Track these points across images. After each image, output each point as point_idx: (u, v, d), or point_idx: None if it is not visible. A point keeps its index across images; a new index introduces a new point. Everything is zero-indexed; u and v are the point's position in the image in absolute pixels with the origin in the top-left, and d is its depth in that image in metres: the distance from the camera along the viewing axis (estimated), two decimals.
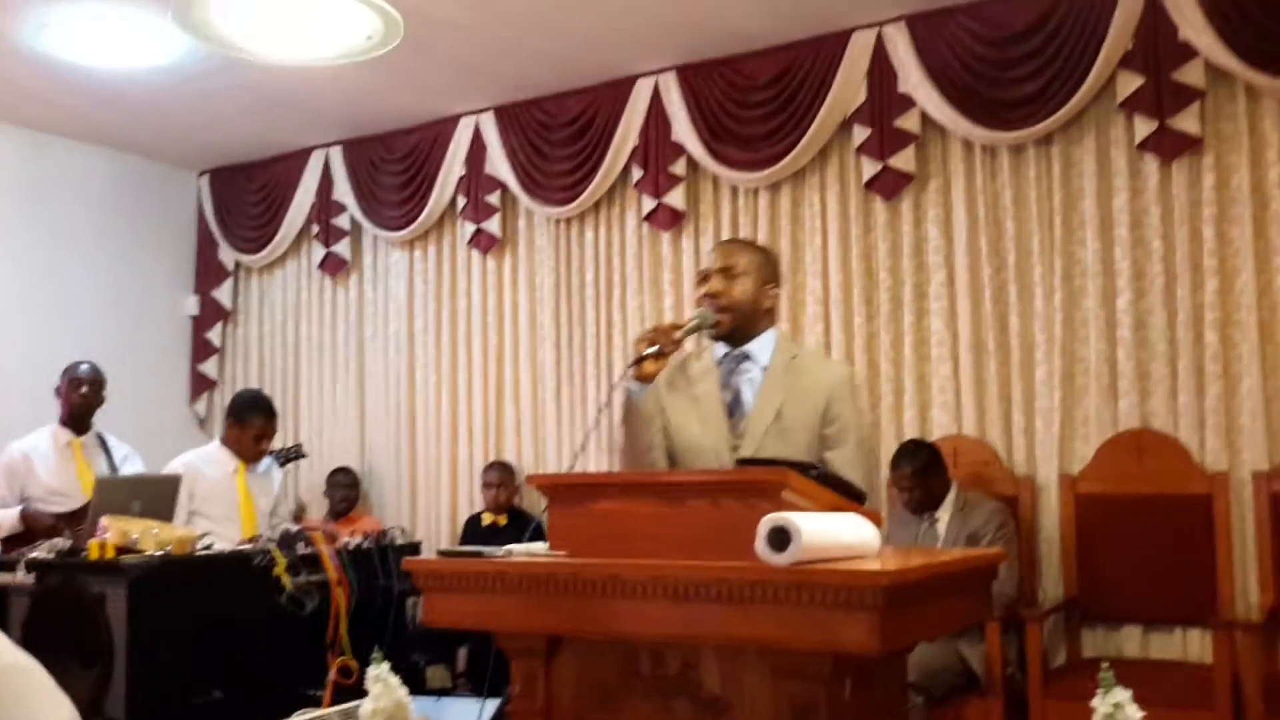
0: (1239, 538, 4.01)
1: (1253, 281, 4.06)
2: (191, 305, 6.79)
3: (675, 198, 5.22)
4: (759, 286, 2.74)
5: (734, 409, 2.71)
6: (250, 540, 3.92)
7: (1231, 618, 3.70)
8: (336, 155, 6.27)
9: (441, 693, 4.49)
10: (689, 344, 2.84)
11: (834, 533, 1.83)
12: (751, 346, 2.74)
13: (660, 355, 2.58)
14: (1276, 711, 3.44)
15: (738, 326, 2.71)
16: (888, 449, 4.56)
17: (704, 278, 2.75)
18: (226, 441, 4.62)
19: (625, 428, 2.69)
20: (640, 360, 2.56)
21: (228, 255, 6.74)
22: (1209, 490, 4.03)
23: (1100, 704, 2.00)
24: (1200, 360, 4.15)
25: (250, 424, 4.59)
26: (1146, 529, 4.11)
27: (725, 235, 5.15)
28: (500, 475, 5.54)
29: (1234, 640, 3.55)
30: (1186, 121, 4.14)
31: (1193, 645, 4.07)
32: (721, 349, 2.76)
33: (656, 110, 5.22)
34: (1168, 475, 4.10)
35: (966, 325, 4.59)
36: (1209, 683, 3.55)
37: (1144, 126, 4.21)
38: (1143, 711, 2.00)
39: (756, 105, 4.96)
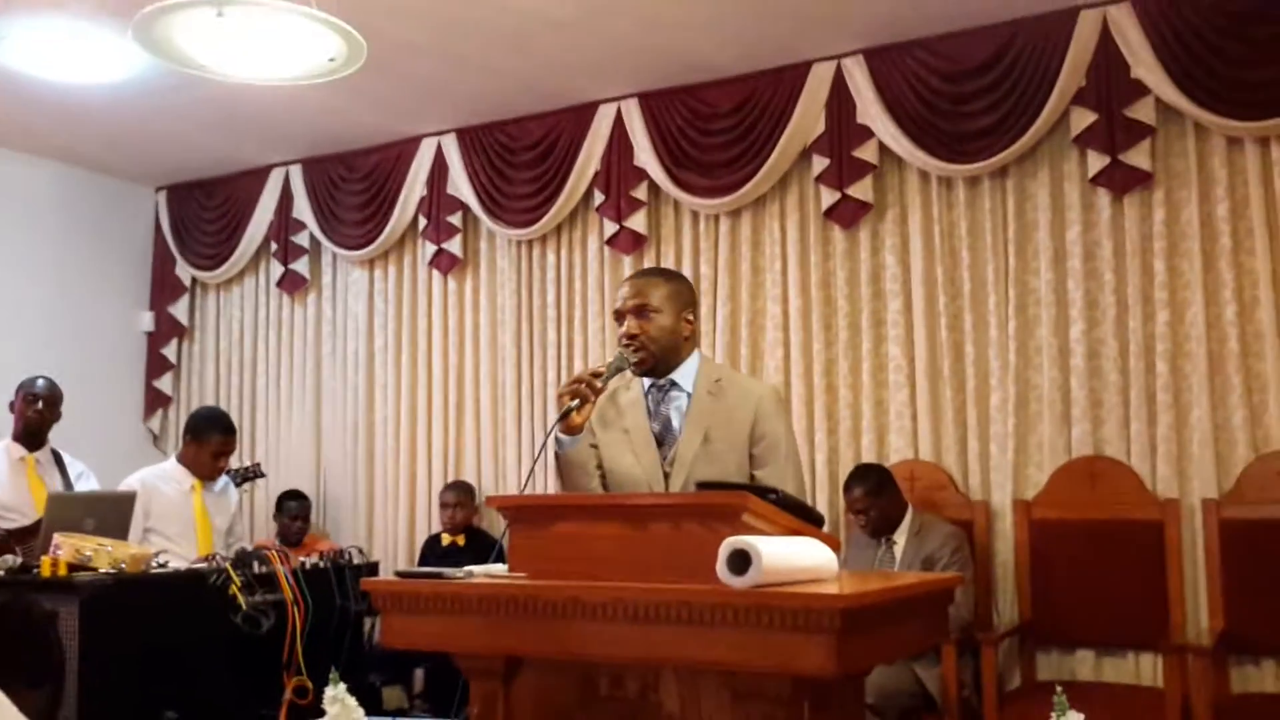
0: (1190, 563, 4.08)
1: (1202, 314, 4.15)
2: (147, 321, 6.72)
3: (637, 222, 5.25)
4: (676, 318, 2.74)
5: (664, 437, 2.74)
6: (206, 559, 3.88)
7: (1183, 642, 3.76)
8: (296, 173, 6.25)
9: (398, 713, 4.47)
10: (616, 379, 2.84)
11: (793, 556, 1.85)
12: (676, 374, 2.75)
13: (584, 404, 2.57)
14: None
15: (659, 360, 2.72)
16: (846, 473, 4.61)
17: (619, 316, 2.73)
18: (183, 459, 4.58)
19: (561, 480, 2.70)
20: (565, 415, 2.55)
21: (184, 271, 6.68)
22: (1160, 516, 4.10)
23: None
24: (1151, 389, 4.23)
25: (208, 441, 4.54)
26: (1099, 554, 4.17)
27: (687, 260, 5.20)
28: (458, 495, 5.51)
29: (1185, 664, 3.60)
30: (1138, 157, 4.23)
31: (1145, 669, 4.13)
32: (648, 380, 2.76)
33: (619, 135, 5.25)
34: (1120, 501, 4.17)
35: (923, 352, 4.65)
36: (1160, 706, 3.61)
37: (1097, 161, 4.30)
38: None
39: (718, 133, 5.01)
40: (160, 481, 4.49)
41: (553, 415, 5.46)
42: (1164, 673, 3.69)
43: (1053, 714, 2.03)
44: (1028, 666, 4.27)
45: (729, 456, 2.68)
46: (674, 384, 2.75)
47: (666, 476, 2.68)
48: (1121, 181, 4.28)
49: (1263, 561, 3.91)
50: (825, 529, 2.23)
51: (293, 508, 5.84)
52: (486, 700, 2.05)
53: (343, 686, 2.71)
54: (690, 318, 2.79)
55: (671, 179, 5.10)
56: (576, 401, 2.53)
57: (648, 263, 5.30)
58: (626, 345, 2.69)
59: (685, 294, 2.79)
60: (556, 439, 2.63)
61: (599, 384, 2.56)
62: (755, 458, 2.70)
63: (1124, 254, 4.32)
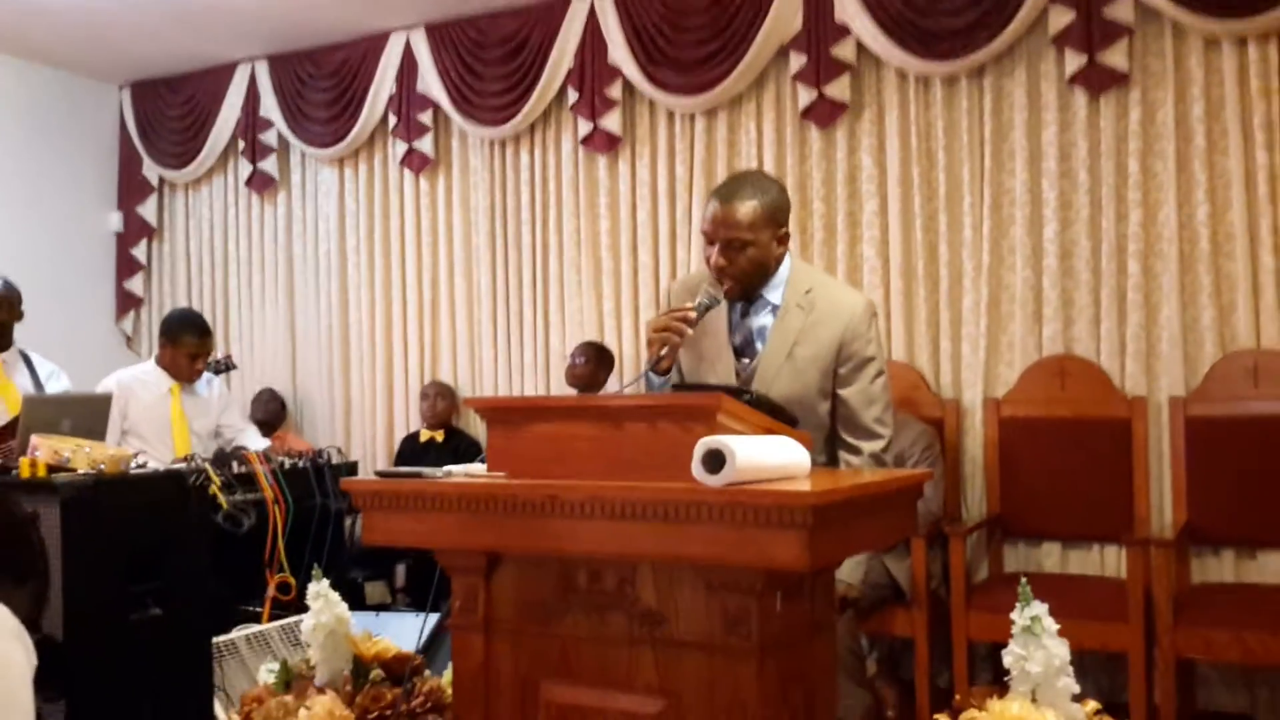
0: (1155, 459, 4.18)
1: (1174, 214, 4.17)
2: (115, 221, 6.65)
3: (611, 121, 5.19)
4: (768, 242, 2.65)
5: (744, 350, 2.71)
6: (185, 459, 3.91)
7: (1146, 535, 3.86)
8: (263, 69, 6.13)
9: (381, 608, 4.54)
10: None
11: (766, 455, 1.88)
12: (766, 289, 2.71)
13: (674, 349, 2.50)
14: (1185, 622, 3.61)
15: (750, 286, 2.67)
16: None
17: (708, 241, 2.63)
18: (160, 361, 4.57)
19: None
20: (656, 363, 2.48)
21: (152, 171, 6.59)
22: (1128, 414, 4.18)
23: (1019, 616, 2.10)
24: (1123, 289, 4.28)
25: (183, 343, 4.53)
26: (1067, 450, 4.26)
27: (662, 161, 5.16)
28: (437, 388, 5.58)
29: (1148, 555, 3.70)
30: (1115, 57, 4.21)
31: (1109, 561, 4.24)
32: None
33: (592, 32, 5.17)
34: (1088, 399, 4.24)
35: (898, 253, 4.66)
36: (1123, 596, 3.72)
37: (1074, 61, 4.27)
38: (1058, 624, 2.10)
39: (693, 29, 4.94)
40: (137, 383, 4.49)
41: (529, 317, 5.54)
42: (1127, 564, 3.80)
43: (1018, 604, 2.09)
44: (995, 559, 4.38)
45: (811, 372, 2.66)
46: (762, 297, 2.71)
47: (747, 385, 2.63)
48: (1098, 81, 4.26)
49: (1226, 457, 4.00)
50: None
51: (265, 396, 6.04)
52: (467, 594, 2.10)
53: (325, 582, 2.76)
54: (784, 234, 2.70)
55: (646, 77, 5.04)
56: (666, 350, 2.47)
57: (622, 165, 5.26)
58: (717, 275, 2.62)
59: (779, 210, 2.67)
60: (647, 379, 2.59)
61: (690, 330, 2.49)
62: (840, 376, 2.68)
63: (1099, 154, 4.32)
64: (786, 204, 2.73)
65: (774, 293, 2.71)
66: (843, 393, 2.68)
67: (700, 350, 2.72)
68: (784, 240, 2.71)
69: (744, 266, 2.63)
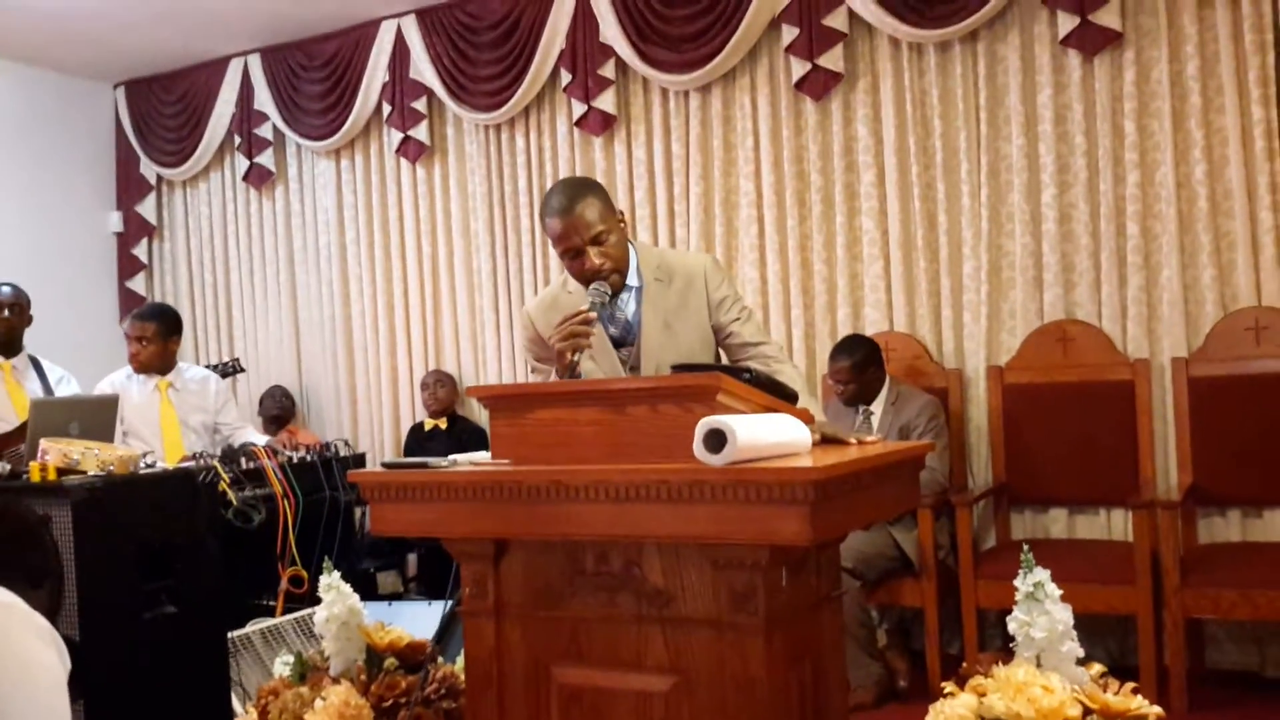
0: (1159, 421, 4.18)
1: (1172, 174, 4.16)
2: (115, 221, 6.66)
3: (605, 101, 5.19)
4: (621, 230, 2.72)
5: (623, 338, 2.75)
6: (193, 458, 3.93)
7: (1152, 497, 3.87)
8: (256, 63, 6.12)
9: (393, 597, 4.57)
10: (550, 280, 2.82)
11: (767, 433, 1.90)
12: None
13: (585, 348, 2.50)
14: (1191, 583, 3.62)
15: (624, 273, 2.72)
16: (823, 347, 4.67)
17: (574, 253, 2.65)
18: None
19: None
20: (574, 368, 2.47)
21: (149, 169, 6.60)
22: (1131, 377, 4.18)
23: (1022, 583, 2.12)
24: (1122, 252, 4.27)
25: (129, 334, 4.54)
26: (1071, 416, 4.26)
27: (658, 140, 5.16)
28: (437, 377, 5.60)
29: (1154, 518, 3.71)
30: (1108, 16, 4.19)
31: (1116, 524, 4.25)
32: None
33: (584, 12, 5.16)
34: (1091, 364, 4.25)
35: (896, 223, 4.66)
36: (1130, 558, 3.73)
37: (1067, 22, 4.25)
38: (1065, 589, 2.12)
39: (684, 4, 4.92)
40: (127, 384, 4.51)
41: (529, 301, 5.52)
42: (1133, 527, 3.81)
43: (1021, 571, 2.11)
44: (1002, 527, 4.40)
45: (692, 338, 2.74)
46: (624, 285, 2.74)
47: (634, 372, 2.70)
48: (1092, 42, 4.24)
49: (1229, 417, 4.00)
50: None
51: (275, 392, 6.05)
52: (477, 581, 2.12)
53: (337, 574, 2.78)
54: (622, 216, 2.77)
55: (639, 55, 5.02)
56: (578, 356, 2.47)
57: (618, 146, 5.26)
58: (595, 274, 2.64)
59: (606, 196, 2.72)
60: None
61: (591, 329, 2.50)
62: (718, 324, 2.76)
63: (1094, 116, 4.31)
64: (608, 193, 2.80)
65: (632, 277, 2.76)
66: (726, 330, 2.78)
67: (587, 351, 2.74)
68: (623, 223, 2.77)
69: (616, 254, 2.68)
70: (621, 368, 2.73)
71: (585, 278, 2.67)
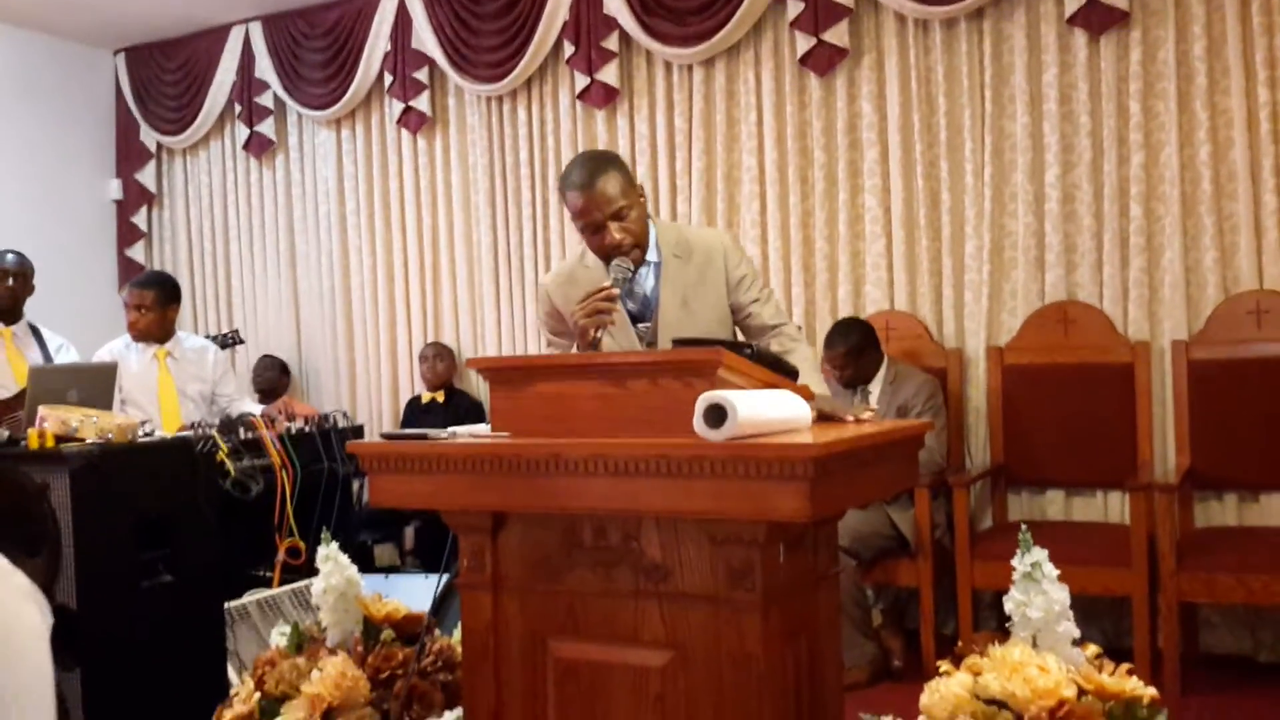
0: (1158, 404, 4.18)
1: (1176, 155, 4.14)
2: (115, 189, 6.63)
3: (609, 74, 5.16)
4: (641, 204, 2.71)
5: (641, 314, 2.75)
6: (191, 427, 3.92)
7: (1150, 480, 3.87)
8: (257, 31, 6.09)
9: (390, 570, 4.58)
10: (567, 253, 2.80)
11: (767, 409, 1.89)
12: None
13: (606, 325, 2.51)
14: (1188, 566, 3.63)
15: (644, 248, 2.72)
16: (823, 325, 4.66)
17: (594, 228, 2.64)
18: None
19: None
20: (597, 344, 2.49)
21: (149, 137, 6.57)
22: (1131, 359, 4.18)
23: (1019, 563, 2.12)
24: (1125, 233, 4.26)
25: (127, 303, 4.53)
26: (1071, 397, 4.26)
27: (661, 113, 5.13)
28: (435, 349, 5.59)
29: (1151, 500, 3.71)
30: None
31: (1113, 507, 4.26)
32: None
33: None
34: (1092, 345, 4.24)
35: (899, 202, 4.64)
36: (1126, 541, 3.74)
37: (1073, 0, 4.22)
38: (1061, 570, 2.12)
39: None
40: (126, 351, 4.50)
41: (530, 275, 5.52)
42: (1130, 509, 3.81)
43: (1018, 551, 2.11)
44: (999, 508, 4.40)
45: (710, 315, 2.73)
46: (643, 261, 2.73)
47: (651, 347, 2.69)
48: (1098, 21, 4.21)
49: (1228, 400, 4.00)
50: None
51: (267, 362, 6.03)
52: (475, 553, 2.11)
53: (335, 546, 2.78)
54: (642, 191, 2.76)
55: (643, 27, 4.99)
56: (600, 332, 2.48)
57: (620, 119, 5.23)
58: (616, 250, 2.63)
59: (626, 171, 2.72)
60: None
61: (614, 305, 2.51)
62: (736, 303, 2.77)
63: (1100, 96, 4.29)
64: (629, 168, 2.80)
65: (651, 253, 2.75)
66: (745, 310, 2.79)
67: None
68: (643, 198, 2.76)
69: (637, 229, 2.68)
70: (639, 343, 2.72)
71: (605, 253, 2.66)
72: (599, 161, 2.69)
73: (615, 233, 2.63)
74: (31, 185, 6.09)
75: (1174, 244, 4.16)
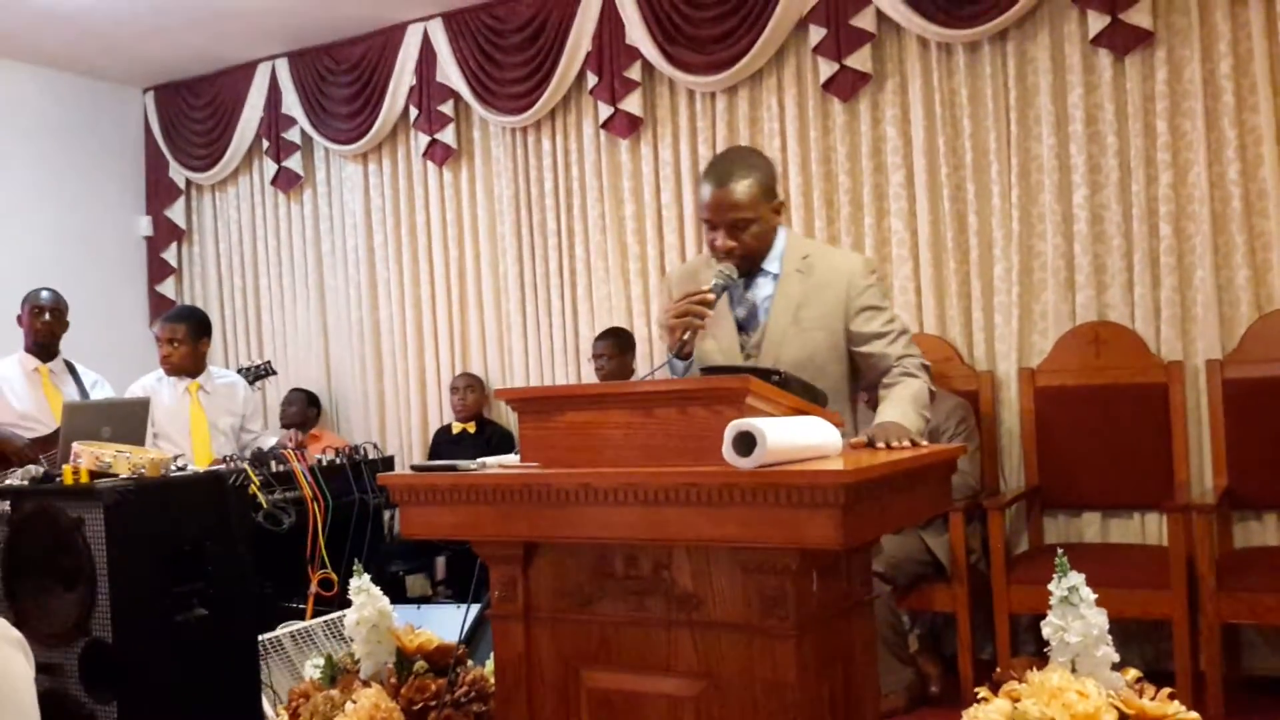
0: (1194, 424, 4.13)
1: (1205, 174, 4.11)
2: (145, 226, 6.71)
3: (632, 103, 5.18)
4: (768, 219, 2.67)
5: (748, 322, 2.72)
6: (223, 461, 3.95)
7: (1187, 501, 3.82)
8: (283, 67, 6.16)
9: (422, 600, 4.58)
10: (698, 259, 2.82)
11: (797, 435, 1.88)
12: (765, 260, 2.72)
13: (696, 331, 2.49)
14: (1227, 587, 3.57)
15: (757, 258, 2.70)
16: None
17: (710, 226, 2.64)
18: None
19: None
20: (681, 348, 2.48)
21: (178, 174, 6.65)
22: (1164, 379, 4.13)
23: (1056, 587, 2.09)
24: (1155, 252, 4.22)
25: (159, 337, 4.58)
26: (1104, 418, 4.21)
27: (684, 141, 5.15)
28: (467, 380, 5.60)
29: (1189, 521, 3.66)
30: (1139, 15, 4.14)
31: (1150, 528, 4.20)
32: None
33: (610, 13, 5.15)
34: (1124, 366, 4.20)
35: (925, 225, 4.62)
36: (1165, 563, 3.68)
37: (1097, 21, 4.21)
38: (1100, 594, 2.09)
39: (710, 5, 4.92)
40: (158, 386, 4.54)
41: (556, 305, 5.54)
42: (1168, 531, 3.76)
43: (1055, 575, 2.08)
44: (1035, 531, 4.35)
45: (819, 335, 2.68)
46: (761, 269, 2.72)
47: (750, 359, 2.66)
48: (1123, 41, 4.20)
49: (1265, 419, 3.95)
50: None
51: (294, 397, 6.04)
52: (506, 584, 2.11)
53: (366, 577, 2.79)
54: (778, 205, 2.72)
55: (665, 57, 5.02)
56: (689, 335, 2.47)
57: (644, 148, 5.25)
58: (725, 257, 2.63)
59: (772, 182, 2.68)
60: (670, 365, 2.58)
61: (709, 313, 2.50)
62: (853, 333, 2.69)
63: (1126, 116, 4.26)
64: (775, 175, 2.75)
65: (772, 263, 2.73)
66: (864, 346, 2.70)
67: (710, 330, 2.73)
68: (779, 210, 2.73)
69: (750, 244, 2.65)
70: (740, 352, 2.70)
71: (715, 254, 2.66)
72: (741, 165, 2.65)
73: (724, 240, 2.62)
74: (64, 222, 6.18)
75: (1205, 263, 4.12)
